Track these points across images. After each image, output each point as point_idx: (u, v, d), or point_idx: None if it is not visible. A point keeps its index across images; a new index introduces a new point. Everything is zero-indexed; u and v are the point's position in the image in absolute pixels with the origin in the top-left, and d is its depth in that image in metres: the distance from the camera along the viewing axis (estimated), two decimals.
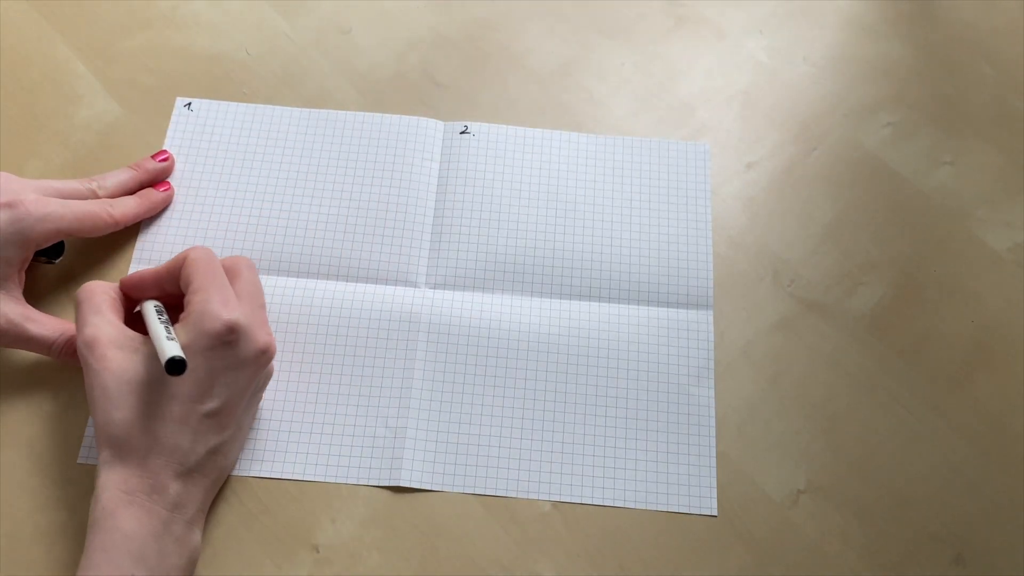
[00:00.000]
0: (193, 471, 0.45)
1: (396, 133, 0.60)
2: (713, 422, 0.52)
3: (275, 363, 0.52)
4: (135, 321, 0.49)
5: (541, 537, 0.49)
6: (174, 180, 0.58)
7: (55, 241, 0.52)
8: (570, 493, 0.50)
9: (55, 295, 0.54)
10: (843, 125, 0.62)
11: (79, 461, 0.49)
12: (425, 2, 0.66)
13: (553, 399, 0.52)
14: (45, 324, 0.49)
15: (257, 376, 0.47)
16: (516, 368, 0.53)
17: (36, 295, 0.53)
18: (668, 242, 0.57)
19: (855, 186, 0.60)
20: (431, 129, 0.60)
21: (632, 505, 0.50)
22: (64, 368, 0.51)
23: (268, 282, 0.55)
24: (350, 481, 0.50)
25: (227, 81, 0.62)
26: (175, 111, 0.60)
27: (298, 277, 0.55)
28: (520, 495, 0.50)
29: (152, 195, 0.56)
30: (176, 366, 0.42)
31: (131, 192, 0.56)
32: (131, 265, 0.55)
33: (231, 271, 0.49)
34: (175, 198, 0.57)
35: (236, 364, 0.46)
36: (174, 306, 0.49)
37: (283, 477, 0.49)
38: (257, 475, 0.49)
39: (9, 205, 0.49)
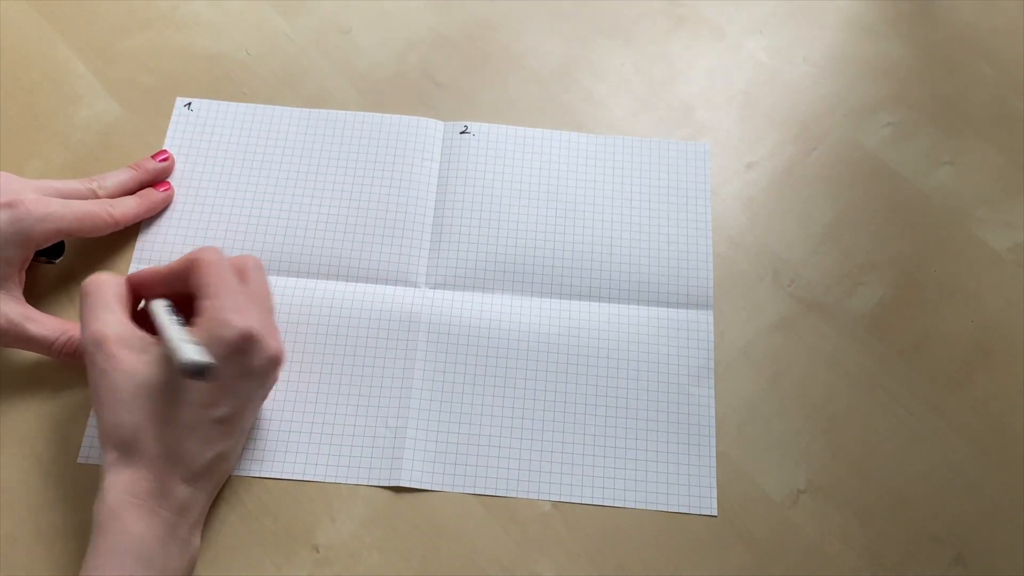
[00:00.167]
0: (199, 476, 0.45)
1: (396, 133, 0.60)
2: (713, 422, 0.52)
3: None
4: (139, 318, 0.48)
5: (541, 537, 0.49)
6: (174, 180, 0.58)
7: (55, 241, 0.52)
8: (570, 493, 0.50)
9: (55, 295, 0.54)
10: (843, 125, 0.62)
11: (79, 461, 0.49)
12: (425, 2, 0.66)
13: (553, 399, 0.52)
14: (45, 324, 0.49)
15: (266, 383, 0.47)
16: (516, 368, 0.53)
17: (36, 295, 0.53)
18: (668, 242, 0.57)
19: (855, 186, 0.60)
20: (431, 129, 0.60)
21: (632, 505, 0.50)
22: (64, 368, 0.51)
23: (269, 282, 0.54)
24: (350, 481, 0.50)
25: (227, 81, 0.62)
26: (175, 111, 0.60)
27: (298, 277, 0.55)
28: (520, 495, 0.50)
29: (152, 195, 0.56)
30: (201, 371, 0.41)
31: (131, 192, 0.56)
32: (131, 265, 0.55)
33: (239, 272, 0.48)
34: (175, 198, 0.57)
35: (247, 372, 0.45)
36: (179, 305, 0.48)
37: (283, 477, 0.49)
38: (257, 475, 0.49)
39: (9, 205, 0.49)
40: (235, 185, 0.58)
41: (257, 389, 0.47)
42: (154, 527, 0.43)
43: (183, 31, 0.63)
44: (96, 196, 0.54)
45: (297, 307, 0.54)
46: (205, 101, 0.61)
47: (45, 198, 0.50)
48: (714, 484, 0.50)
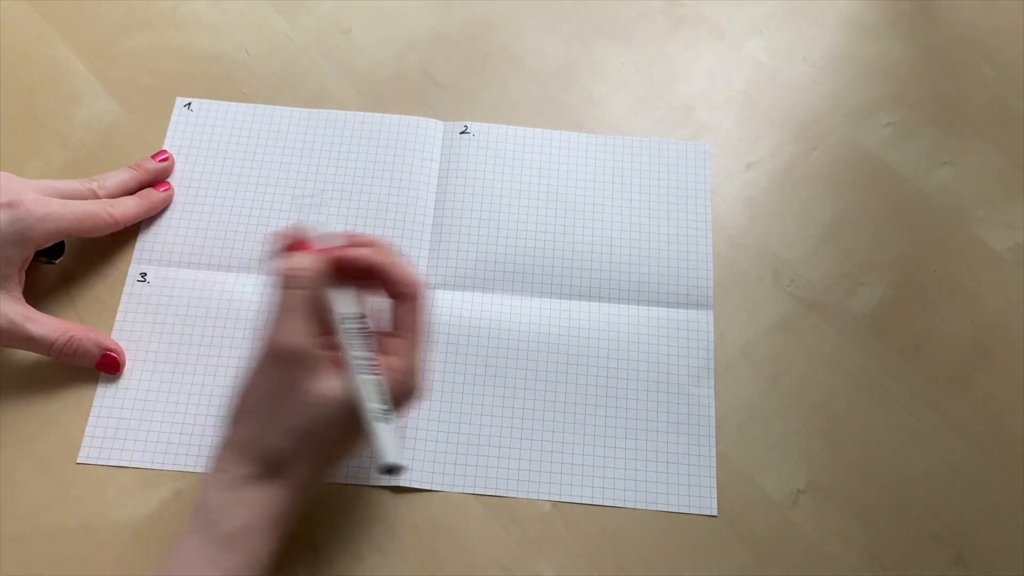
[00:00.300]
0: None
1: (396, 133, 0.60)
2: (713, 422, 0.52)
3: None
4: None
5: (541, 537, 0.49)
6: (174, 180, 0.58)
7: (55, 241, 0.52)
8: (570, 493, 0.50)
9: (55, 295, 0.54)
10: (843, 125, 0.62)
11: (79, 461, 0.49)
12: (425, 2, 0.66)
13: (553, 399, 0.52)
14: (45, 324, 0.49)
15: None
16: (516, 368, 0.53)
17: (36, 295, 0.53)
18: (668, 242, 0.57)
19: (855, 186, 0.60)
20: (431, 129, 0.60)
21: (632, 505, 0.50)
22: (64, 368, 0.51)
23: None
24: (350, 481, 0.50)
25: (227, 81, 0.62)
26: (175, 111, 0.60)
27: None
28: (520, 495, 0.50)
29: (152, 195, 0.56)
30: (394, 471, 0.40)
31: (131, 192, 0.56)
32: (131, 265, 0.55)
33: (419, 307, 0.45)
34: (175, 198, 0.57)
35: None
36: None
37: None
38: None
39: (9, 205, 0.49)
40: (235, 185, 0.58)
41: None
42: (270, 553, 0.42)
43: (183, 31, 0.63)
44: (96, 196, 0.54)
45: None
46: (205, 101, 0.61)
47: (45, 198, 0.50)
48: (714, 484, 0.50)
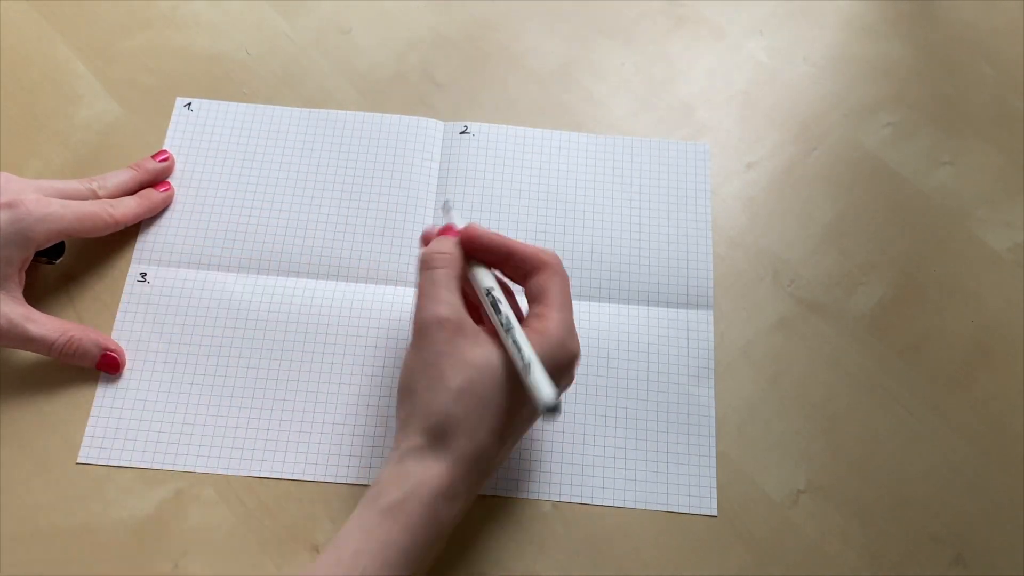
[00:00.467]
0: (482, 484, 0.45)
1: (396, 133, 0.60)
2: (713, 422, 0.52)
3: (278, 362, 0.52)
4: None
5: (541, 537, 0.49)
6: (174, 180, 0.58)
7: (55, 241, 0.52)
8: (570, 493, 0.50)
9: (55, 295, 0.54)
10: (843, 125, 0.62)
11: (79, 461, 0.49)
12: (425, 2, 0.66)
13: None
14: (45, 324, 0.50)
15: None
16: None
17: (36, 295, 0.53)
18: (668, 242, 0.57)
19: (855, 186, 0.60)
20: (431, 129, 0.60)
21: (632, 505, 0.50)
22: (64, 368, 0.51)
23: (268, 282, 0.55)
24: (350, 481, 0.50)
25: (227, 81, 0.62)
26: (175, 111, 0.60)
27: (298, 277, 0.55)
28: (520, 495, 0.50)
29: (152, 195, 0.56)
30: (555, 410, 0.41)
31: (131, 192, 0.56)
32: (131, 265, 0.55)
33: (555, 272, 0.46)
34: (175, 198, 0.57)
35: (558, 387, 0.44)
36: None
37: (283, 477, 0.50)
38: (257, 475, 0.49)
39: (9, 205, 0.49)
40: (235, 185, 0.58)
41: None
42: (436, 525, 0.42)
43: (183, 31, 0.63)
44: (96, 196, 0.54)
45: (297, 307, 0.54)
46: (205, 101, 0.61)
47: (45, 198, 0.50)
48: (714, 484, 0.50)
